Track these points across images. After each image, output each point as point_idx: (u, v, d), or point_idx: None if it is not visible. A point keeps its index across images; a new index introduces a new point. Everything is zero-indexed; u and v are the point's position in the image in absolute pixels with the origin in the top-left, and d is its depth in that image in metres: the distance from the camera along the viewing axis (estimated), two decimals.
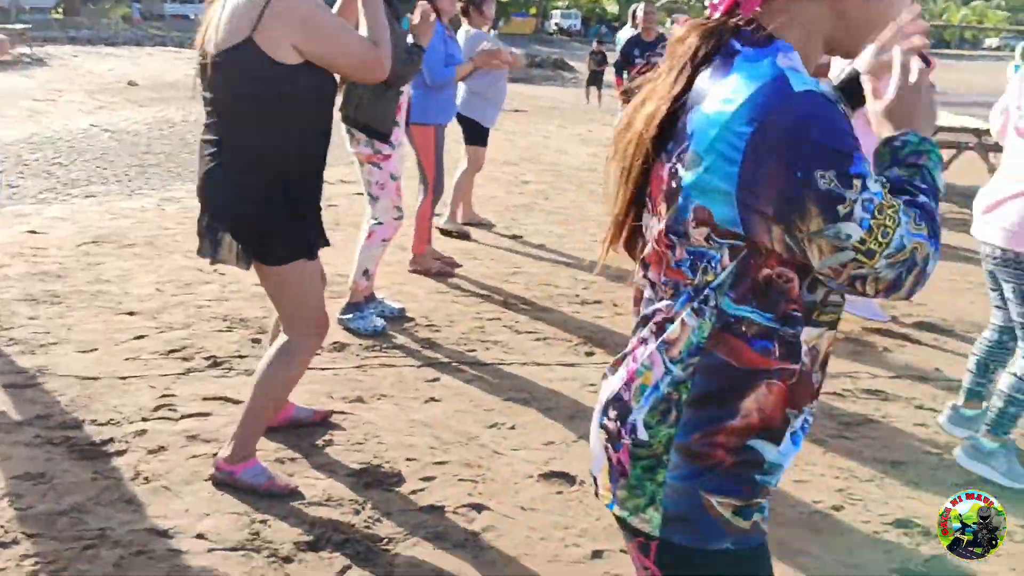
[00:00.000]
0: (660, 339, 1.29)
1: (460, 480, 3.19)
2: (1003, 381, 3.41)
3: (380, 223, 4.54)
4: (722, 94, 1.18)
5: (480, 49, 5.69)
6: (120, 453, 3.23)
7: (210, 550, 2.70)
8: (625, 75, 9.04)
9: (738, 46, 1.23)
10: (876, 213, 1.14)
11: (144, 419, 3.50)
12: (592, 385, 4.05)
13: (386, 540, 2.80)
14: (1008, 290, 3.37)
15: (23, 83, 15.15)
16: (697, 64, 1.25)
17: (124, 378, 3.87)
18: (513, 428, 3.61)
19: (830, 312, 1.28)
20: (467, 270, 5.82)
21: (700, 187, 1.20)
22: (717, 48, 1.24)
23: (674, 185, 1.24)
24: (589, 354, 4.46)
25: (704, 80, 1.23)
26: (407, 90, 4.48)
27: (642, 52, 8.83)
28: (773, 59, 1.19)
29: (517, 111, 17.98)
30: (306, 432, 3.46)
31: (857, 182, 1.13)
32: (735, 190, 1.17)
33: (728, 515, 1.27)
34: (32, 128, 11.99)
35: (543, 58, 35.06)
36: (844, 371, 4.42)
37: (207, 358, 4.12)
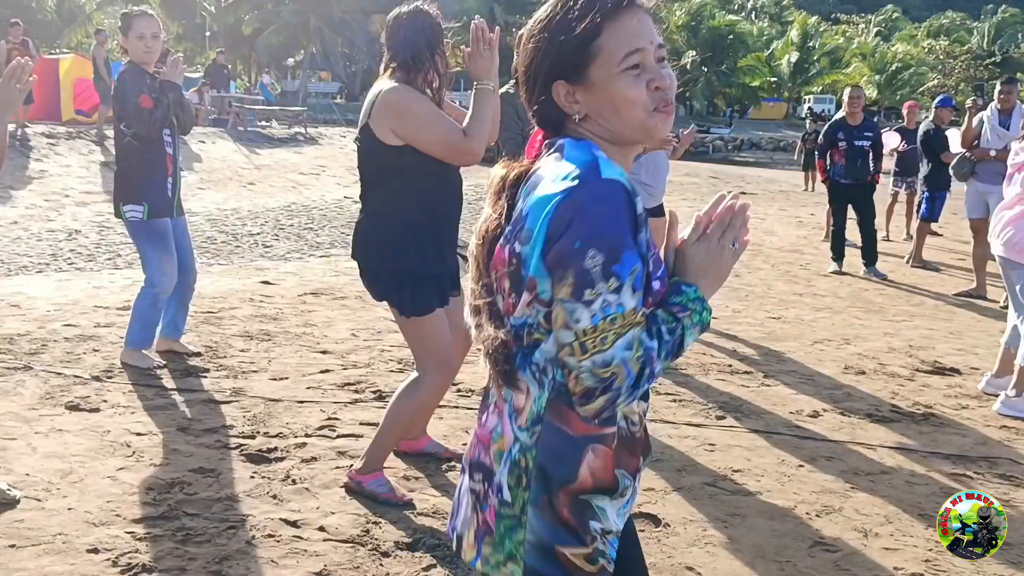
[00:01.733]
0: (509, 406, 1.47)
1: None
2: None
3: None
4: (554, 174, 1.39)
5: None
6: (279, 459, 3.85)
7: (325, 540, 3.21)
8: (828, 159, 9.06)
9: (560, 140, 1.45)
10: (608, 320, 1.29)
11: (307, 435, 4.12)
12: (712, 445, 4.25)
13: None
14: None
15: (293, 158, 17.18)
16: (516, 187, 1.47)
17: (301, 402, 4.53)
18: None
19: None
20: None
21: (532, 257, 1.37)
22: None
23: (515, 262, 1.41)
24: (720, 417, 4.64)
25: (541, 167, 1.45)
26: None
27: (847, 136, 8.86)
28: (590, 147, 1.41)
29: (744, 193, 18.06)
30: (436, 459, 3.93)
31: (613, 281, 1.28)
32: (542, 248, 1.35)
33: (579, 563, 1.44)
34: (293, 198, 13.63)
35: (788, 142, 34.75)
36: (987, 455, 4.32)
37: (375, 392, 4.73)
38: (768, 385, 5.24)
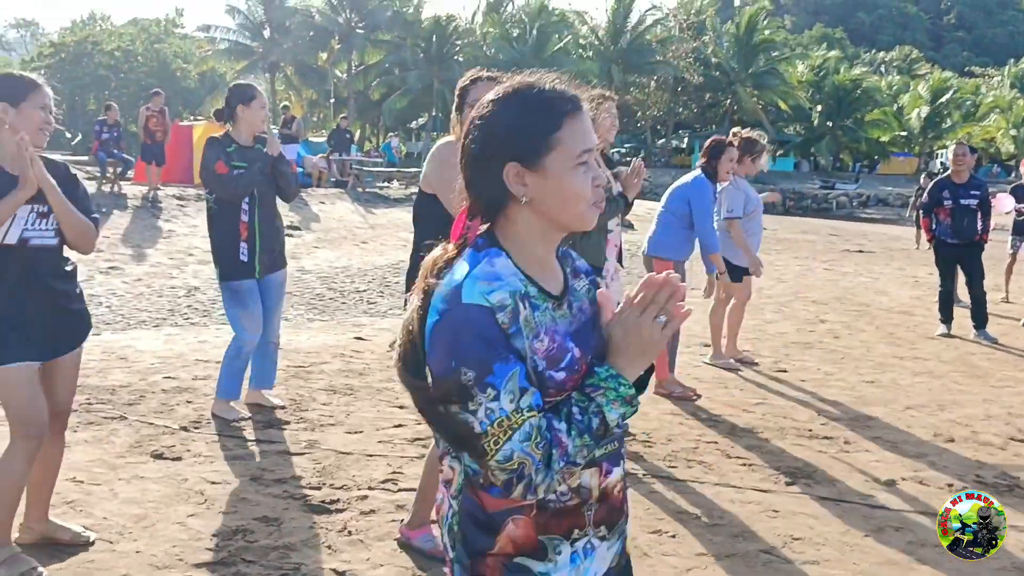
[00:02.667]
0: (443, 477, 1.63)
1: None
2: None
3: None
4: (439, 291, 1.52)
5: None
6: (340, 511, 3.98)
7: None
8: (934, 218, 8.77)
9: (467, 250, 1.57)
10: (494, 424, 1.42)
11: (370, 488, 4.25)
12: (775, 511, 4.16)
13: None
14: None
15: (407, 217, 17.50)
16: (437, 276, 1.56)
17: (370, 455, 4.68)
18: (674, 536, 3.86)
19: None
20: (713, 396, 6.07)
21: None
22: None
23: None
24: (788, 483, 4.53)
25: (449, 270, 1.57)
26: (616, 229, 5.00)
27: (952, 194, 8.57)
28: (473, 265, 1.51)
29: (861, 251, 17.57)
30: None
31: (491, 391, 1.42)
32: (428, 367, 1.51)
33: None
34: (402, 255, 14.01)
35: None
36: None
37: None
38: (847, 451, 5.09)
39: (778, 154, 52.71)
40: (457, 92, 3.64)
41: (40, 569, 3.28)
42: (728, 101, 51.14)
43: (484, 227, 1.58)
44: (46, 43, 51.14)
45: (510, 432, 1.43)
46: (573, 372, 1.54)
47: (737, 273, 6.77)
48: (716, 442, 5.14)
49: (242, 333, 5.05)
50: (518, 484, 1.45)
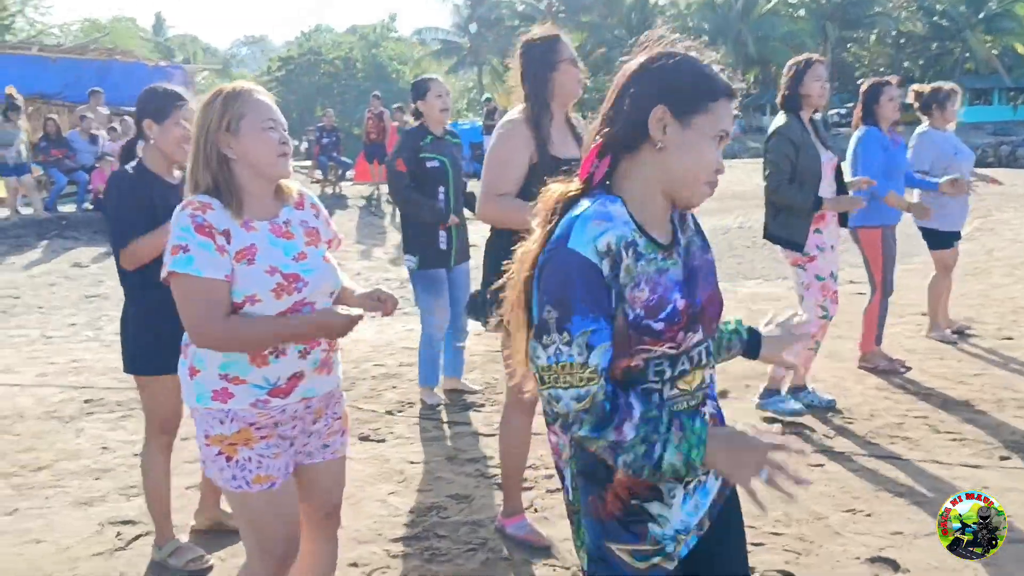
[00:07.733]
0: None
1: (785, 550, 3.44)
2: None
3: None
4: (559, 226, 1.62)
5: (948, 179, 5.68)
6: (527, 488, 4.10)
7: (549, 565, 3.41)
8: None
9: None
10: (560, 366, 1.53)
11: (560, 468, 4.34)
12: (985, 488, 3.88)
13: None
14: None
15: None
16: (561, 213, 1.65)
17: None
18: (869, 515, 3.70)
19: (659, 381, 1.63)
20: (926, 368, 5.72)
21: None
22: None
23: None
24: (1004, 458, 4.21)
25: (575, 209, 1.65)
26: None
27: None
28: (589, 206, 1.60)
29: None
30: None
31: (566, 335, 1.53)
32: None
33: (627, 559, 1.68)
34: None
35: None
36: None
37: None
38: None
39: (1020, 102, 48.22)
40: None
41: (206, 556, 3.51)
42: (958, 50, 47.28)
43: (606, 170, 1.65)
44: (275, 58, 54.91)
45: (569, 382, 1.54)
46: (672, 323, 1.59)
47: (942, 239, 6.29)
48: (925, 416, 4.84)
49: (430, 320, 5.26)
50: (555, 423, 1.59)
